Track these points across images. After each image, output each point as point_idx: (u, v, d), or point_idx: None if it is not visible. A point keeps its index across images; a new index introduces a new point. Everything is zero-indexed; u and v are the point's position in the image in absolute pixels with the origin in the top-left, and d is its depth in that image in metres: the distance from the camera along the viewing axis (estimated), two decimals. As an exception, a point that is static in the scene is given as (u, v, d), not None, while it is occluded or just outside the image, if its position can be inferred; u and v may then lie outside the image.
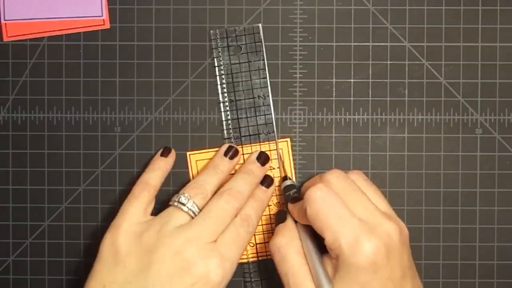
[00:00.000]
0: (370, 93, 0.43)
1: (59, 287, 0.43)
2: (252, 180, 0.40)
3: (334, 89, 0.43)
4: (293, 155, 0.42)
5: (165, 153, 0.41)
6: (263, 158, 0.41)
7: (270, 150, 0.42)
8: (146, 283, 0.35)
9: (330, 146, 0.43)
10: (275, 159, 0.42)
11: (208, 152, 0.42)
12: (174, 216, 0.37)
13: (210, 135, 0.43)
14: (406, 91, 0.43)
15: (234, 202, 0.38)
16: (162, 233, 0.36)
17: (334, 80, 0.43)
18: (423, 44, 0.43)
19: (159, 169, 0.40)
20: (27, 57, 0.43)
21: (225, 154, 0.41)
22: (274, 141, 0.42)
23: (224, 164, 0.40)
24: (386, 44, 0.43)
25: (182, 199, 0.38)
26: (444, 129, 0.43)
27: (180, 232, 0.36)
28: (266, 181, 0.41)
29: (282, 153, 0.42)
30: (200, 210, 0.38)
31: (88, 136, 0.43)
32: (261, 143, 0.42)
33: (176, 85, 0.43)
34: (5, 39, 0.43)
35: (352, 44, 0.43)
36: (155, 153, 0.41)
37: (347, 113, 0.43)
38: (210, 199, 0.38)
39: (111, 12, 0.43)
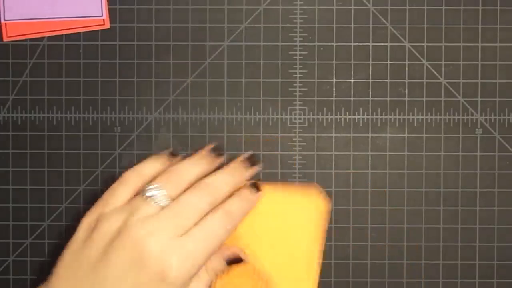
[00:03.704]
0: (370, 93, 0.43)
1: (59, 287, 0.43)
2: (234, 179, 0.37)
3: (334, 89, 0.43)
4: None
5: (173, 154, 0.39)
6: (252, 160, 0.39)
7: None
8: (99, 277, 0.33)
9: (330, 146, 0.43)
10: None
11: None
12: (142, 206, 0.35)
13: (210, 135, 0.43)
14: (406, 91, 0.43)
15: (208, 197, 0.35)
16: (128, 223, 0.34)
17: (334, 80, 0.43)
18: (423, 44, 0.43)
19: (157, 161, 0.38)
20: (27, 57, 0.43)
21: (213, 150, 0.39)
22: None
23: (209, 159, 0.38)
24: (386, 44, 0.43)
25: (153, 188, 0.35)
26: (444, 129, 0.43)
27: (144, 224, 0.34)
28: (256, 184, 0.38)
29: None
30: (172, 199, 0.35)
31: (88, 136, 0.43)
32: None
33: (176, 85, 0.43)
34: (5, 39, 0.43)
35: (352, 44, 0.43)
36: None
37: (347, 113, 0.43)
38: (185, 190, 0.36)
39: (111, 12, 0.43)
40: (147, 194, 0.35)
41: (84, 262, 0.34)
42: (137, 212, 0.34)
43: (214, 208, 0.36)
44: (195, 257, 0.34)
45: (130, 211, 0.35)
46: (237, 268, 0.37)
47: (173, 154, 0.39)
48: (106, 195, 0.37)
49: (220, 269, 0.37)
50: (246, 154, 0.40)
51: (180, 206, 0.35)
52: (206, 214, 0.35)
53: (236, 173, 0.38)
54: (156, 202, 0.35)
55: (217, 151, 0.39)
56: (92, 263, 0.34)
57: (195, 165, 0.37)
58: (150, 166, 0.37)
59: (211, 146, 0.40)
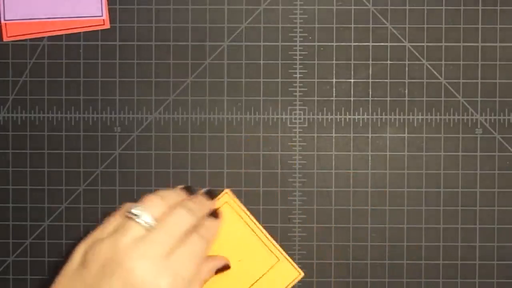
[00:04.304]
0: (370, 93, 0.43)
1: (59, 287, 0.43)
2: (201, 207, 0.39)
3: (334, 89, 0.43)
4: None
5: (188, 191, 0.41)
6: (211, 193, 0.41)
7: None
8: None
9: (330, 146, 0.43)
10: None
11: None
12: (129, 229, 0.36)
13: (210, 135, 0.43)
14: (406, 91, 0.43)
15: (190, 216, 0.37)
16: (118, 246, 0.35)
17: (334, 80, 0.43)
18: (423, 44, 0.43)
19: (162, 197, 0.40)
20: (27, 57, 0.43)
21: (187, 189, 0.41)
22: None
23: (185, 192, 0.40)
24: (386, 44, 0.43)
25: (138, 211, 0.36)
26: (444, 129, 0.43)
27: (134, 247, 0.35)
28: (215, 213, 0.41)
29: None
30: (157, 222, 0.37)
31: (88, 136, 0.43)
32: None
33: (176, 85, 0.43)
34: (5, 39, 0.43)
35: (352, 44, 0.43)
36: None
37: (347, 113, 0.43)
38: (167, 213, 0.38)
39: (111, 12, 0.43)
40: (134, 213, 0.36)
41: (78, 287, 0.35)
42: (127, 233, 0.35)
43: (193, 228, 0.37)
44: (183, 276, 0.35)
45: (121, 233, 0.36)
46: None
47: (187, 189, 0.40)
48: (104, 222, 0.38)
49: (209, 278, 0.39)
50: (205, 189, 0.41)
51: (166, 226, 0.36)
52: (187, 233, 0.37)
53: (201, 204, 0.40)
54: (143, 222, 0.36)
55: (209, 194, 0.41)
56: None
57: (177, 193, 0.39)
58: (153, 200, 0.38)
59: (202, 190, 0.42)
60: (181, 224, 0.37)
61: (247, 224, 0.42)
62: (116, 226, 0.37)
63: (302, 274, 0.42)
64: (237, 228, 0.42)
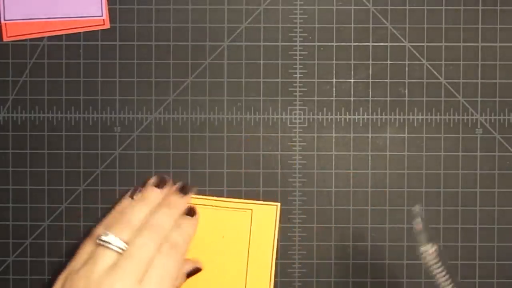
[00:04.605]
0: (370, 93, 0.43)
1: (59, 287, 0.43)
2: (174, 212, 0.39)
3: (334, 89, 0.43)
4: (279, 219, 0.42)
5: (133, 195, 0.41)
6: (185, 189, 0.41)
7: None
8: None
9: (330, 146, 0.43)
10: None
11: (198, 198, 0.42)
12: (101, 257, 0.36)
13: (210, 135, 0.43)
14: (406, 91, 0.43)
15: (155, 236, 0.37)
16: (91, 278, 0.35)
17: (334, 80, 0.43)
18: (423, 44, 0.43)
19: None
20: (27, 57, 0.43)
21: (155, 185, 0.40)
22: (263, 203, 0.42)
23: (153, 195, 0.40)
24: (386, 44, 0.43)
25: (108, 238, 0.37)
26: (444, 129, 0.43)
27: (106, 277, 0.35)
28: (191, 211, 0.41)
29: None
30: (127, 244, 0.37)
31: (88, 136, 0.43)
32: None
33: (176, 85, 0.43)
34: (5, 39, 0.43)
35: (352, 44, 0.43)
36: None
37: (347, 113, 0.43)
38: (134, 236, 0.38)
39: (111, 12, 0.43)
40: (104, 240, 0.37)
41: None
42: (98, 263, 0.36)
43: (165, 238, 0.38)
44: None
45: (93, 263, 0.36)
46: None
47: (159, 183, 0.41)
48: (78, 251, 0.38)
49: (181, 283, 0.40)
50: (178, 185, 0.41)
51: (135, 252, 0.36)
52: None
53: (174, 207, 0.40)
54: (114, 247, 0.36)
55: (183, 190, 0.41)
56: None
57: (142, 207, 0.39)
58: (121, 223, 0.38)
59: (154, 180, 0.41)
60: (150, 245, 0.37)
61: (207, 206, 0.42)
62: (89, 255, 0.37)
63: (279, 203, 0.42)
64: (202, 215, 0.42)
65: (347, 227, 0.43)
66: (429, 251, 0.34)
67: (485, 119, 0.43)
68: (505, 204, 0.42)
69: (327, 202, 0.43)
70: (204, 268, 0.41)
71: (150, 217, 0.38)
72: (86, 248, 0.38)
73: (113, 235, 0.37)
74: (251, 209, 0.42)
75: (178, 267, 0.38)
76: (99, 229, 0.38)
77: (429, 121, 0.43)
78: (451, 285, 0.35)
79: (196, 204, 0.42)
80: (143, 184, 0.41)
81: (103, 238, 0.37)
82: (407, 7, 0.43)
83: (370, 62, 0.43)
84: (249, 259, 0.42)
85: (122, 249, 0.36)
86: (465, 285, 0.42)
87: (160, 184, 0.40)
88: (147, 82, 0.43)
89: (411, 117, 0.43)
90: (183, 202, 0.41)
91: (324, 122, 0.43)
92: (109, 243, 0.37)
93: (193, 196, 0.42)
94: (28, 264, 0.43)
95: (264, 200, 0.42)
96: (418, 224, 0.35)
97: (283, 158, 0.43)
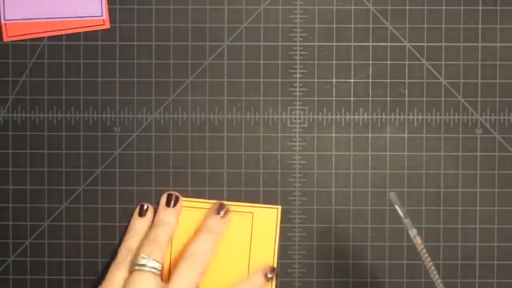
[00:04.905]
0: (370, 93, 0.43)
1: (59, 287, 0.43)
2: (214, 238, 0.40)
3: (334, 89, 0.43)
4: (280, 223, 0.42)
5: (141, 213, 0.41)
6: (223, 210, 0.41)
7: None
8: None
9: (330, 146, 0.43)
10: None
11: (192, 201, 0.42)
12: (141, 282, 0.37)
13: (210, 135, 0.43)
14: (406, 91, 0.43)
15: (199, 267, 0.38)
16: None
17: (334, 80, 0.43)
18: (423, 44, 0.43)
19: (138, 234, 0.40)
20: (27, 57, 0.43)
21: (167, 205, 0.41)
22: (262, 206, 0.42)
23: (169, 215, 0.41)
24: (386, 44, 0.43)
25: (142, 261, 0.38)
26: (444, 129, 0.43)
27: None
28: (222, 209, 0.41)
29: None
30: (161, 264, 0.38)
31: (88, 136, 0.43)
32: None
33: (176, 85, 0.43)
34: (5, 39, 0.43)
35: (352, 44, 0.43)
36: (133, 213, 0.42)
37: (347, 113, 0.43)
38: (177, 264, 0.39)
39: (111, 12, 0.43)
40: (140, 264, 0.38)
41: None
42: (138, 286, 0.37)
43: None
44: None
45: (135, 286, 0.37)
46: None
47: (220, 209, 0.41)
48: (108, 277, 0.39)
49: None
50: (215, 206, 0.41)
51: (183, 281, 0.37)
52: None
53: (213, 232, 0.40)
54: (151, 270, 0.37)
55: (222, 211, 0.41)
56: None
57: (165, 226, 0.40)
58: (151, 246, 0.39)
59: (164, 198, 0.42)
60: (191, 278, 0.38)
61: (208, 209, 0.42)
62: (124, 281, 0.38)
63: (280, 206, 0.42)
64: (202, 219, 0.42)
65: (347, 227, 0.43)
66: (415, 236, 0.35)
67: (485, 119, 0.43)
68: (505, 204, 0.42)
69: (327, 202, 0.43)
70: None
71: (191, 245, 0.39)
72: (117, 273, 0.38)
73: (146, 256, 0.38)
74: (252, 212, 0.42)
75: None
76: (123, 252, 0.39)
77: (429, 121, 0.43)
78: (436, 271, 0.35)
79: (196, 207, 0.42)
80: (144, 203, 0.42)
81: (137, 260, 0.38)
82: (407, 7, 0.43)
83: (370, 62, 0.43)
84: (250, 262, 0.42)
85: (158, 269, 0.37)
86: (465, 285, 0.42)
87: (172, 202, 0.41)
88: (147, 82, 0.43)
89: (411, 117, 0.43)
90: (223, 225, 0.41)
91: (324, 122, 0.43)
92: (144, 265, 0.37)
93: (194, 199, 0.42)
94: (28, 264, 0.43)
95: (264, 200, 0.42)
96: (400, 211, 0.35)
97: (283, 158, 0.43)
